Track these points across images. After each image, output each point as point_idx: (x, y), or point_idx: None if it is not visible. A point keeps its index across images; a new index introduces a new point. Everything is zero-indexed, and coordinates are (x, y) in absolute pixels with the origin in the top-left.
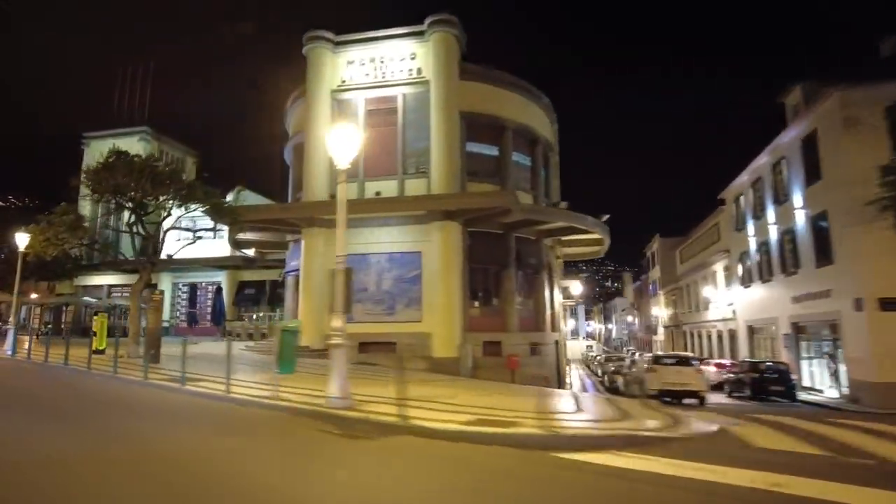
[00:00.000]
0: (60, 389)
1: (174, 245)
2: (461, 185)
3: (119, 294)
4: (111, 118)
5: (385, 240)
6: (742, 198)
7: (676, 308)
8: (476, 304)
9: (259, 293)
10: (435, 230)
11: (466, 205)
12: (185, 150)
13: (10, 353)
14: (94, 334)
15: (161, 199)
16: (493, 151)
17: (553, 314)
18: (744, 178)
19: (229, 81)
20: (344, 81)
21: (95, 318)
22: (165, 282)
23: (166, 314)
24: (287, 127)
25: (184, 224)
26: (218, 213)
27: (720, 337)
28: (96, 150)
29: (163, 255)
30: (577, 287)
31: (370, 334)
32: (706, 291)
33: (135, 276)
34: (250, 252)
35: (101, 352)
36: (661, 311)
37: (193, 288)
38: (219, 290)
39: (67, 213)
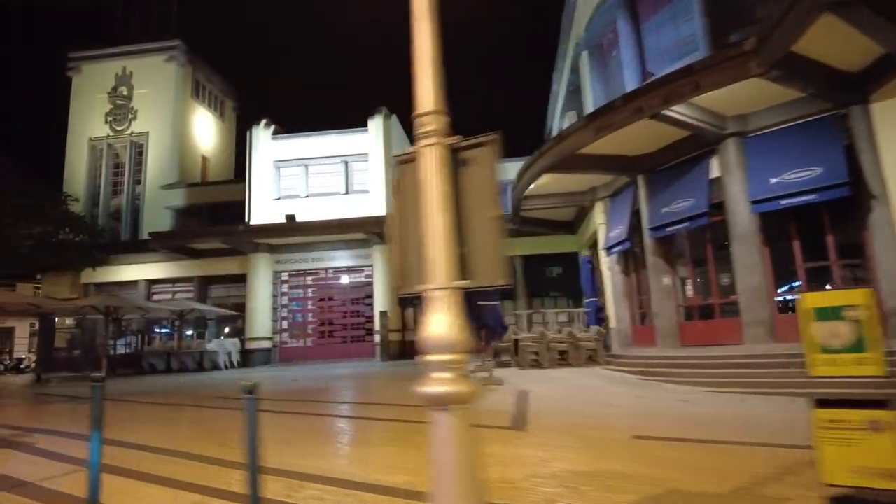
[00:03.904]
0: None
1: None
2: None
3: (170, 295)
4: (112, 33)
5: None
6: None
7: None
8: None
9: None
10: None
11: None
12: (224, 90)
13: None
14: None
15: None
16: None
17: None
18: None
19: None
20: None
21: None
22: (261, 268)
23: (265, 324)
24: None
25: None
26: None
27: None
28: (93, 78)
29: (258, 219)
30: None
31: None
32: None
33: (192, 263)
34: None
35: None
36: None
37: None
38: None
39: None
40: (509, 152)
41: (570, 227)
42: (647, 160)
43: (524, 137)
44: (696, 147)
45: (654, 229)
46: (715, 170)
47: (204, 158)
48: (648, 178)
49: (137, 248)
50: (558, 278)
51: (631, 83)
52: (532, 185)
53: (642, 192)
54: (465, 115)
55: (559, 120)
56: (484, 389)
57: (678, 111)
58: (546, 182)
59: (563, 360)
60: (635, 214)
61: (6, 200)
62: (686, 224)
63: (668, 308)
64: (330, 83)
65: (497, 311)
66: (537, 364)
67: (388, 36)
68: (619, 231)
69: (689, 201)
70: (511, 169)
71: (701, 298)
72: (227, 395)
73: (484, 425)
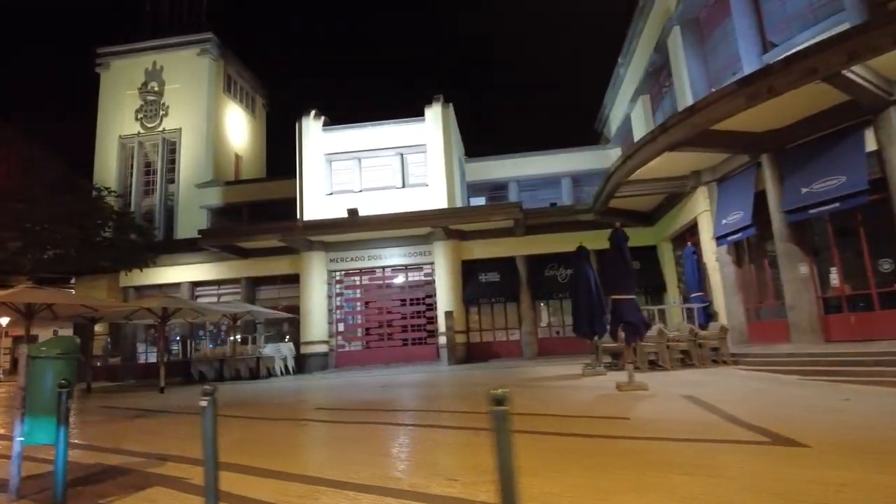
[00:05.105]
0: None
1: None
2: None
3: (215, 298)
4: (135, 27)
5: None
6: None
7: None
8: None
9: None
10: None
11: None
12: (254, 86)
13: None
14: None
15: None
16: None
17: None
18: None
19: None
20: None
21: None
22: (315, 267)
23: (321, 327)
24: None
25: None
26: None
27: None
28: (122, 74)
29: (310, 216)
30: None
31: None
32: None
33: (239, 263)
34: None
35: None
36: None
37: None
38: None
39: None
40: (554, 144)
41: (648, 218)
42: (776, 136)
43: (563, 126)
44: (843, 118)
45: (791, 212)
46: (870, 142)
47: (237, 156)
48: (777, 156)
49: (178, 248)
50: (635, 273)
51: (749, 55)
52: (640, 169)
53: (768, 173)
54: (498, 109)
55: (628, 105)
56: (630, 396)
57: (854, 72)
58: (648, 166)
59: (683, 360)
60: (758, 198)
61: (45, 199)
62: (836, 205)
63: (805, 300)
64: (355, 79)
65: (636, 305)
66: (655, 365)
67: (407, 28)
68: (739, 217)
69: (839, 179)
70: (563, 160)
71: (851, 288)
72: (321, 405)
73: (743, 440)
